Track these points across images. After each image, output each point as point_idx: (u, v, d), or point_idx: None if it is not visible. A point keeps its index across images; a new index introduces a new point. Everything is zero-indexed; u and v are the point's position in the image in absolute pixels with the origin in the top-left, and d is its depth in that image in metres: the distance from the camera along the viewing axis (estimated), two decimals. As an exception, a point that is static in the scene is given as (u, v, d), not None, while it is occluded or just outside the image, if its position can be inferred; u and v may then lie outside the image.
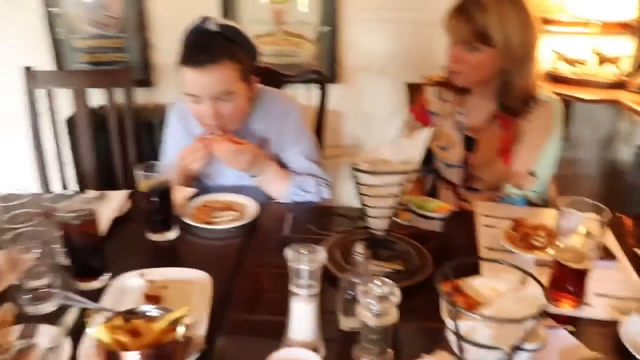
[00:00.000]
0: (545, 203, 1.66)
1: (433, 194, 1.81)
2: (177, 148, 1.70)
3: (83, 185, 2.31)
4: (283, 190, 1.64)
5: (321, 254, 0.94)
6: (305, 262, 0.93)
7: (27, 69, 2.07)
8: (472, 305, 0.93)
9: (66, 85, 2.10)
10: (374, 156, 1.22)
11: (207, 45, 1.48)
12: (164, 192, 1.36)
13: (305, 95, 2.58)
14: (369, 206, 1.21)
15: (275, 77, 1.96)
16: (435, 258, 1.26)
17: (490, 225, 1.43)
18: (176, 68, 1.53)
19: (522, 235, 1.33)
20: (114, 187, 2.15)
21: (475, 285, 0.98)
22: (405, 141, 1.21)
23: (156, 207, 1.35)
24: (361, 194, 1.20)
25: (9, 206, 1.28)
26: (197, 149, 1.56)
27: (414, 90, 2.10)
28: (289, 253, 0.94)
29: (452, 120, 1.74)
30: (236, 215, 1.46)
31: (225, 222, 1.44)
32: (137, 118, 2.22)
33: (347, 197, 2.78)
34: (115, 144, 2.14)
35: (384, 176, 1.15)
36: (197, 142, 1.56)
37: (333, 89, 2.06)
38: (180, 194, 1.53)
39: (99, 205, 1.18)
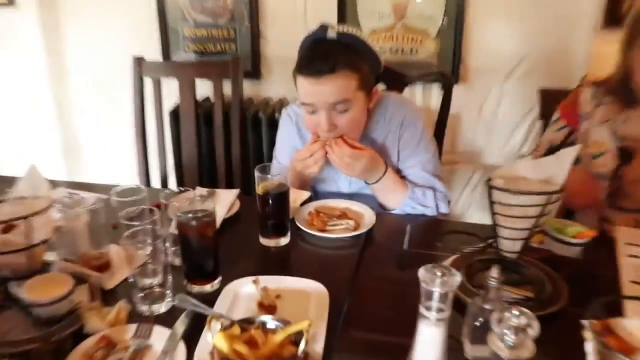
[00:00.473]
0: None
1: (569, 212, 1.75)
2: (289, 152, 1.76)
3: (182, 180, 2.43)
4: (398, 201, 1.66)
5: (456, 277, 0.94)
6: (438, 284, 0.93)
7: (137, 58, 2.21)
8: (627, 349, 0.90)
9: (173, 75, 2.21)
10: (510, 173, 1.20)
11: (324, 54, 1.52)
12: (281, 196, 1.41)
13: (423, 95, 2.60)
14: (502, 226, 1.19)
15: (396, 78, 1.98)
16: (571, 287, 1.22)
17: (636, 256, 1.36)
18: (293, 76, 1.59)
19: None
20: (214, 183, 2.29)
21: (630, 327, 0.95)
22: (548, 160, 1.19)
23: (272, 211, 1.41)
24: (495, 212, 1.19)
25: (126, 202, 1.37)
26: (314, 150, 1.60)
27: (549, 99, 2.03)
28: (422, 272, 0.94)
29: (607, 126, 1.67)
30: (352, 224, 1.49)
31: (341, 231, 1.47)
32: (244, 111, 2.30)
33: (461, 208, 2.80)
34: (219, 137, 2.23)
35: (522, 196, 1.13)
36: (313, 144, 1.61)
37: (454, 90, 2.04)
38: (295, 196, 1.59)
39: (210, 203, 1.24)
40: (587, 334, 0.98)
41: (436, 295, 0.94)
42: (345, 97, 1.54)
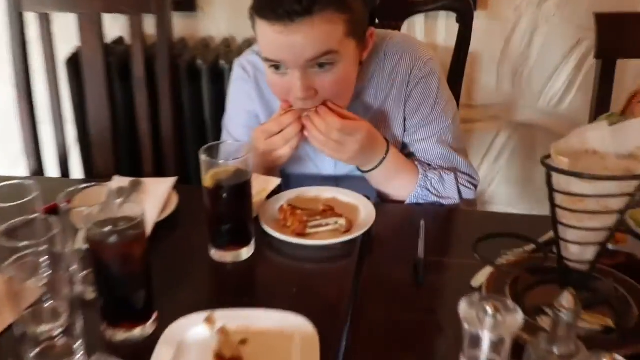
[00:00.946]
0: None
1: None
2: (246, 122, 1.72)
3: (90, 161, 2.36)
4: (404, 193, 1.63)
5: (517, 316, 0.86)
6: (489, 326, 0.85)
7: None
8: None
9: (68, 8, 2.12)
10: (575, 145, 1.13)
11: None
12: (239, 190, 1.32)
13: (426, 30, 2.57)
14: (567, 225, 1.12)
15: (398, 7, 1.94)
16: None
17: None
18: (250, 17, 1.49)
19: None
20: (137, 166, 2.25)
21: None
22: (632, 124, 1.11)
23: (228, 212, 1.33)
24: (556, 205, 1.11)
25: (4, 208, 1.25)
26: (284, 124, 1.52)
27: (607, 26, 1.95)
28: (464, 308, 0.87)
29: None
30: (342, 223, 1.42)
31: (328, 234, 1.41)
32: (175, 59, 2.22)
33: (481, 184, 2.76)
34: (140, 97, 2.17)
35: (600, 182, 1.05)
36: (284, 115, 1.52)
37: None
38: (259, 185, 1.51)
39: (136, 207, 1.14)
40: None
41: (486, 343, 0.87)
42: (329, 48, 1.44)
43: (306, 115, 1.51)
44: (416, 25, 2.54)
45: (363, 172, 1.62)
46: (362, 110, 1.63)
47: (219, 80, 2.50)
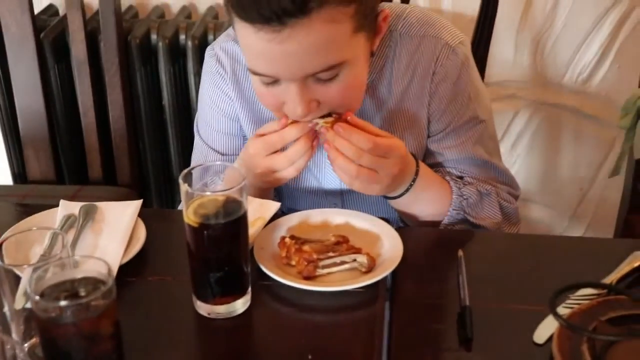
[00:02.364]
0: None
1: None
2: (225, 126, 1.64)
3: (22, 168, 2.34)
4: (436, 214, 1.55)
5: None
6: None
7: None
8: None
9: None
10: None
11: None
12: (233, 227, 1.20)
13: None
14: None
15: None
16: None
17: None
18: (226, 11, 1.33)
19: None
20: (82, 173, 2.29)
21: None
22: None
23: (217, 256, 1.22)
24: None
25: None
26: (289, 139, 1.38)
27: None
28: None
29: None
30: (364, 260, 1.31)
31: (345, 276, 1.30)
32: (124, 35, 2.23)
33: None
34: (83, 83, 2.14)
35: None
36: (290, 128, 1.39)
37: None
38: (254, 212, 1.40)
39: (100, 264, 1.02)
40: None
41: None
42: (335, 60, 1.30)
43: (322, 129, 1.38)
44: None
45: (389, 198, 1.52)
46: (374, 108, 1.53)
47: (180, 60, 2.42)
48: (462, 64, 1.54)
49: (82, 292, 0.99)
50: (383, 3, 1.43)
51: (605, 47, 2.55)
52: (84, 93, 2.12)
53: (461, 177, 1.58)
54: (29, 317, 1.07)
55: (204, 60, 1.66)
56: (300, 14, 1.20)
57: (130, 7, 2.57)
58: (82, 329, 0.99)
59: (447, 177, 1.57)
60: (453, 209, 1.52)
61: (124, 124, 2.14)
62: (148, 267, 1.38)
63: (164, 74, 2.43)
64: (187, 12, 2.55)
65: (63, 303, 0.96)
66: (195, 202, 1.17)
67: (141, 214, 1.45)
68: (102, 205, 1.47)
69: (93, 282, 0.99)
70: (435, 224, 1.55)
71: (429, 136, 1.59)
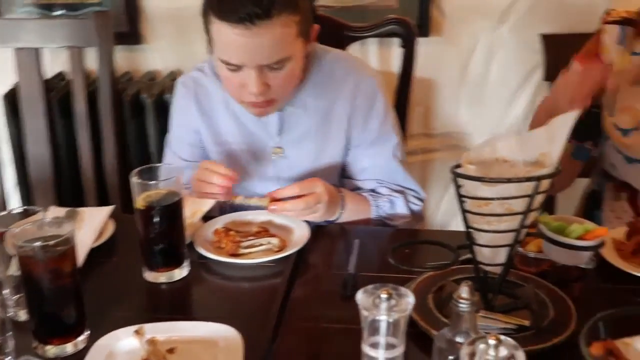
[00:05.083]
0: None
1: (595, 204, 1.93)
2: (189, 138, 1.92)
3: (30, 197, 2.45)
4: (363, 221, 1.83)
5: (407, 299, 1.04)
6: (384, 310, 1.02)
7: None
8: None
9: (5, 41, 2.22)
10: (486, 155, 1.32)
11: None
12: (170, 210, 1.49)
13: (377, 54, 2.72)
14: (477, 229, 1.31)
15: (338, 32, 2.09)
16: (582, 309, 1.34)
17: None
18: (204, 19, 1.67)
19: (637, 247, 1.52)
20: (81, 201, 2.35)
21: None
22: (537, 133, 1.30)
23: (160, 232, 1.49)
24: (466, 211, 1.30)
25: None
26: (207, 181, 1.69)
27: (554, 46, 2.17)
28: (360, 297, 1.04)
29: None
30: (275, 242, 1.59)
31: (260, 254, 1.57)
32: (119, 93, 2.36)
33: (443, 217, 2.91)
34: (83, 133, 2.28)
35: (499, 185, 1.25)
36: (217, 176, 1.68)
37: (422, 46, 2.19)
38: (193, 207, 1.68)
39: (67, 226, 1.29)
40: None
41: (383, 326, 1.03)
42: (285, 54, 1.66)
43: (270, 209, 1.67)
44: (369, 51, 2.71)
45: (331, 222, 1.80)
46: (301, 108, 1.84)
47: (165, 114, 2.47)
48: (377, 88, 1.86)
49: (50, 241, 1.25)
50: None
51: (531, 102, 2.74)
52: (83, 142, 2.26)
53: (374, 190, 1.87)
54: (18, 283, 1.33)
55: (175, 87, 1.95)
56: (265, 18, 1.58)
57: (126, 73, 2.80)
58: (48, 265, 1.25)
59: (364, 194, 1.86)
60: (374, 216, 1.83)
61: (115, 167, 2.27)
62: (115, 251, 1.64)
63: (151, 125, 2.65)
64: (173, 76, 2.74)
65: (35, 244, 1.24)
66: (144, 193, 1.47)
67: (115, 216, 1.73)
68: (83, 209, 1.75)
69: (57, 237, 1.26)
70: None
71: (353, 146, 1.88)
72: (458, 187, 1.30)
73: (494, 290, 1.36)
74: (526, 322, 1.32)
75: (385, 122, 1.89)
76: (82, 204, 2.31)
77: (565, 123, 1.29)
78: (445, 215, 2.98)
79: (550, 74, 2.19)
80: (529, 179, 1.24)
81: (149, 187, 1.48)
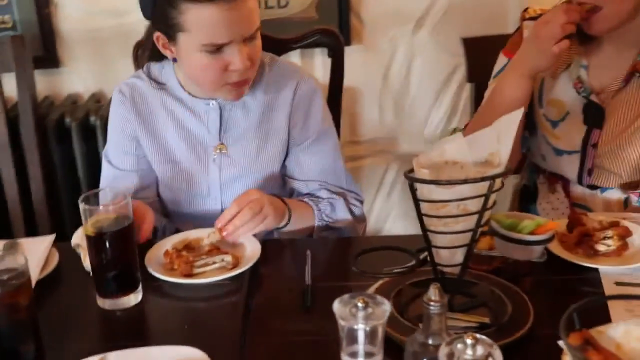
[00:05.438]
0: None
1: (529, 198, 1.98)
2: (129, 148, 1.90)
3: None
4: (309, 229, 1.86)
5: (384, 306, 1.05)
6: (361, 319, 1.03)
7: None
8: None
9: None
10: (435, 158, 1.34)
11: None
12: (122, 235, 1.46)
13: (305, 65, 2.74)
14: (435, 232, 1.33)
15: (265, 45, 2.06)
16: (536, 302, 1.39)
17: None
18: (164, 10, 1.67)
19: (580, 237, 1.57)
20: (8, 230, 2.31)
21: (615, 336, 1.11)
22: (484, 133, 1.33)
23: (112, 258, 1.46)
24: (423, 215, 1.32)
25: None
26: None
27: (475, 48, 2.22)
28: (336, 306, 1.05)
29: (568, 77, 1.88)
30: (229, 259, 1.58)
31: (215, 272, 1.56)
32: (42, 119, 2.35)
33: (376, 220, 2.95)
34: (6, 160, 2.24)
35: (456, 187, 1.27)
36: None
37: (344, 55, 2.19)
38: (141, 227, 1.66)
39: (19, 258, 1.27)
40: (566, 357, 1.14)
41: (361, 335, 1.05)
42: (258, 21, 1.74)
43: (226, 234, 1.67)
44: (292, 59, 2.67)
45: (281, 229, 1.81)
46: (241, 108, 1.88)
47: (91, 137, 2.60)
48: (315, 90, 1.91)
49: (3, 276, 1.23)
50: None
51: (453, 104, 2.85)
52: (6, 171, 2.21)
53: (313, 194, 1.90)
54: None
55: (112, 96, 1.93)
56: None
57: (46, 97, 2.76)
58: (3, 299, 1.23)
59: (306, 199, 1.88)
60: (317, 221, 1.85)
61: (43, 195, 2.24)
62: (61, 281, 1.60)
63: (77, 149, 2.63)
64: (96, 98, 2.74)
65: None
66: (92, 218, 1.44)
67: (56, 246, 1.69)
68: (23, 240, 1.69)
69: (11, 270, 1.24)
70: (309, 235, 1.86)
71: (296, 144, 1.91)
72: (413, 192, 1.32)
73: (452, 291, 1.38)
74: (486, 320, 1.35)
75: (324, 121, 1.94)
76: (10, 234, 2.27)
77: (511, 122, 1.33)
78: (378, 220, 3.02)
79: (473, 76, 2.24)
80: (484, 179, 1.27)
81: (97, 211, 1.46)
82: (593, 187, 1.90)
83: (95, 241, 1.46)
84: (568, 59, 1.87)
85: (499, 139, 1.33)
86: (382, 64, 2.82)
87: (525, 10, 2.00)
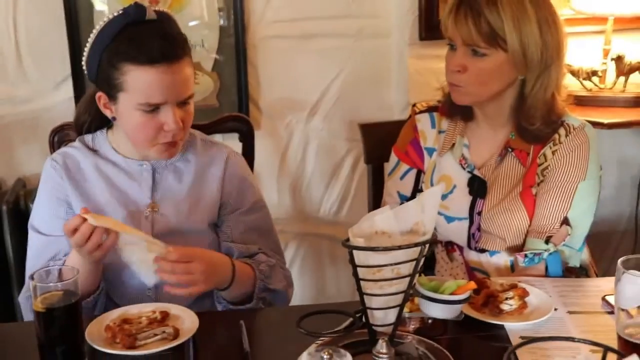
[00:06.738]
0: (583, 269, 1.97)
1: (426, 267, 2.07)
2: (56, 213, 1.92)
3: None
4: (249, 292, 1.90)
5: (346, 358, 1.15)
6: None
7: None
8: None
9: None
10: (366, 229, 1.46)
11: (164, 36, 1.77)
12: (71, 310, 1.49)
13: None
14: (371, 294, 1.44)
15: None
16: (457, 357, 1.50)
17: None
18: (107, 71, 1.76)
19: (486, 299, 1.70)
20: None
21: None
22: (409, 206, 1.47)
23: (61, 333, 1.49)
24: (360, 279, 1.43)
25: None
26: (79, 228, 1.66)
27: (371, 133, 2.38)
28: (305, 358, 1.14)
29: (453, 156, 2.07)
30: (170, 331, 1.62)
31: (158, 344, 1.59)
32: None
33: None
34: None
35: (391, 252, 1.39)
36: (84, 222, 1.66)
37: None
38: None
39: None
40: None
41: None
42: (192, 89, 1.85)
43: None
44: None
45: (222, 291, 1.87)
46: (173, 172, 1.97)
47: (24, 221, 2.49)
48: (244, 165, 2.05)
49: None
50: None
51: (346, 185, 2.98)
52: None
53: (252, 257, 1.96)
54: None
55: (44, 169, 1.96)
56: (179, 57, 1.78)
57: None
58: None
59: (249, 261, 1.93)
60: (259, 281, 1.90)
61: None
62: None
63: (10, 241, 2.52)
64: (23, 184, 2.69)
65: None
66: (42, 295, 1.47)
67: None
68: None
69: None
70: (246, 302, 1.90)
71: (229, 211, 2.00)
72: (351, 258, 1.43)
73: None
74: (415, 375, 1.46)
75: (257, 191, 2.07)
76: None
77: (433, 195, 1.48)
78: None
79: (370, 158, 2.40)
80: (417, 244, 1.39)
81: (48, 288, 1.49)
82: (482, 250, 2.05)
83: (44, 317, 1.48)
84: (452, 139, 2.07)
85: (423, 209, 1.46)
86: (280, 149, 2.94)
87: (414, 105, 2.20)
